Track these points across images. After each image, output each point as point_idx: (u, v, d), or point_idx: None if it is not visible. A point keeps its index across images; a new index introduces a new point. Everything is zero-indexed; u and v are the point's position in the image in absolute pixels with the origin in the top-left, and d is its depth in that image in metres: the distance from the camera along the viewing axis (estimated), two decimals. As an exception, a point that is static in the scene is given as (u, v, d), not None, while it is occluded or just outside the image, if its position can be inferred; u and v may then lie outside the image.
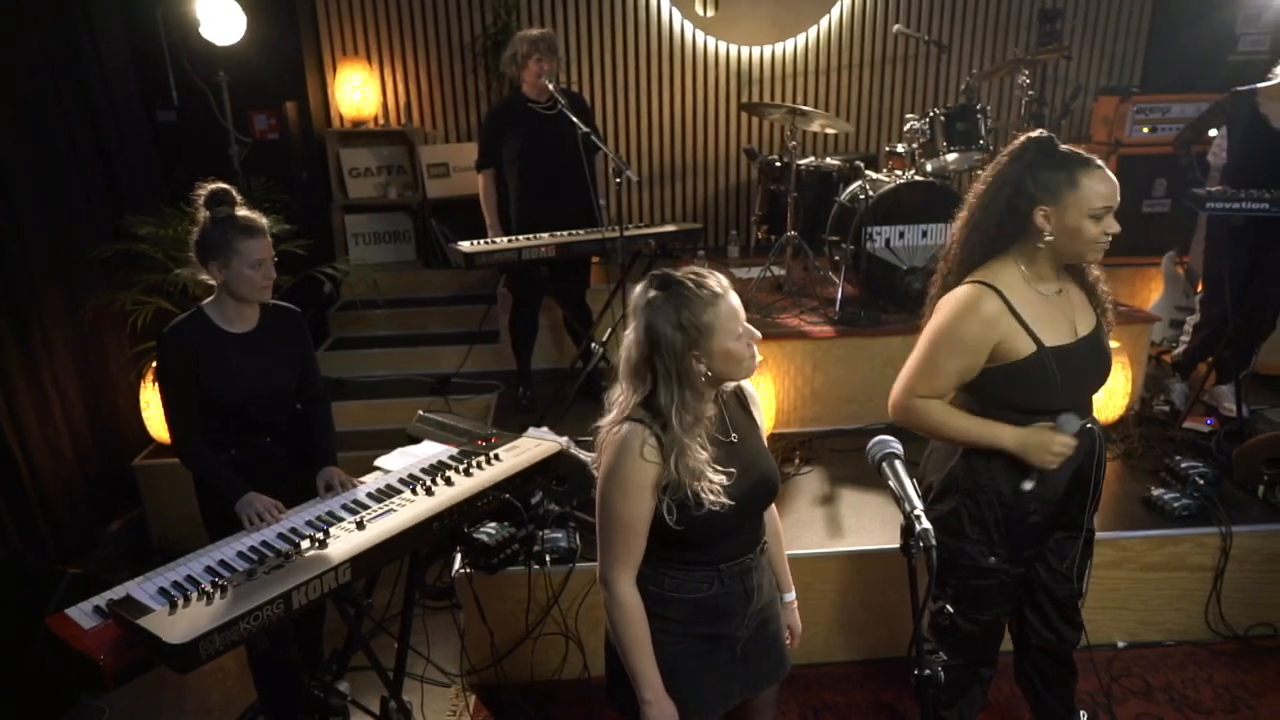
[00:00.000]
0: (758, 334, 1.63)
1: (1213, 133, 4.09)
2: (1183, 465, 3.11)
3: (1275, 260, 3.61)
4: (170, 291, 3.54)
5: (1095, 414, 2.08)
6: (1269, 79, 3.54)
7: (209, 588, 1.76)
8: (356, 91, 5.37)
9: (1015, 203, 1.90)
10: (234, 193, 2.27)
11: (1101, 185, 1.85)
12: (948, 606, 2.16)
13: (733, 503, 1.60)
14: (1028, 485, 1.96)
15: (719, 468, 1.60)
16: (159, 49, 4.43)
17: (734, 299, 1.61)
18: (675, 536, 1.62)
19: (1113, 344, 2.12)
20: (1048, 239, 1.89)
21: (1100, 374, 2.03)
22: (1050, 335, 1.92)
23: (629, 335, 1.62)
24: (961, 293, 1.95)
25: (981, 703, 2.37)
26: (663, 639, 1.68)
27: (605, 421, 1.65)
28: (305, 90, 5.16)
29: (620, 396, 1.64)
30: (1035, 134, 1.94)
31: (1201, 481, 3.01)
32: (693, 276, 1.59)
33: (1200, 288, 4.23)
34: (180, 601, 1.72)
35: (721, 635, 1.72)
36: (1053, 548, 2.15)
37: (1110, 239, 1.89)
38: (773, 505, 1.85)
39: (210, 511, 2.33)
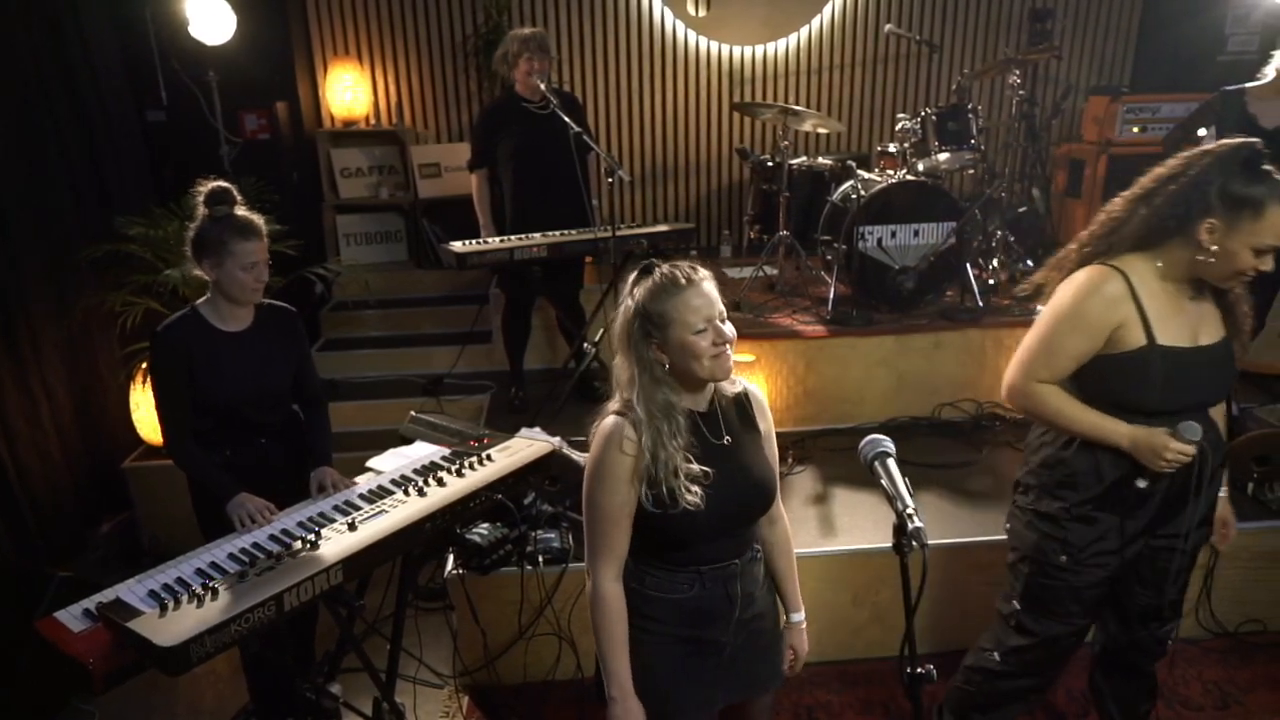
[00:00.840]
0: (727, 333, 1.60)
1: (1201, 132, 4.11)
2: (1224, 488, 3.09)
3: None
4: (160, 292, 3.52)
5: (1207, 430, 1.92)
6: (1258, 78, 3.55)
7: (200, 590, 1.75)
8: (348, 91, 5.36)
9: (1191, 203, 1.79)
10: (234, 192, 2.26)
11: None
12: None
13: (714, 505, 1.59)
14: (1141, 484, 1.91)
15: (697, 467, 1.59)
16: (148, 48, 4.41)
17: (704, 292, 1.59)
18: (656, 533, 1.63)
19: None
20: (1200, 254, 1.79)
21: (1215, 389, 1.94)
22: (1166, 334, 1.85)
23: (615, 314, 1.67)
24: (1085, 273, 1.90)
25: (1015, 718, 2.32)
26: (643, 638, 1.68)
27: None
28: (296, 90, 5.14)
29: (616, 379, 1.67)
30: (1246, 142, 1.80)
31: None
32: (670, 266, 1.61)
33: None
34: (170, 604, 1.71)
35: (704, 640, 1.70)
36: (1146, 555, 2.05)
37: (1256, 272, 1.80)
38: (785, 521, 1.85)
39: (205, 512, 2.31)
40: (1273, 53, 3.51)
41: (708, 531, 1.64)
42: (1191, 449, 1.82)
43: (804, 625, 1.91)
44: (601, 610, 1.65)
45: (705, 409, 1.68)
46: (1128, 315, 1.85)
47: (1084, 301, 1.87)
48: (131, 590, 1.79)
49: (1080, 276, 1.91)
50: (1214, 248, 1.78)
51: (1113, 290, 1.85)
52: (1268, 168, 1.76)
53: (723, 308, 1.62)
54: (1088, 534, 1.99)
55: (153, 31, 4.38)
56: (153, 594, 1.77)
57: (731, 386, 1.74)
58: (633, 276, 1.64)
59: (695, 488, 1.58)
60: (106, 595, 1.79)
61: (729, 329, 1.61)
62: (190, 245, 2.25)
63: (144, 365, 3.65)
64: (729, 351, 1.61)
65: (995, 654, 2.20)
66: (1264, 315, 3.93)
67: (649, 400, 1.59)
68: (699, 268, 1.62)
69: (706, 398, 1.69)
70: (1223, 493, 2.10)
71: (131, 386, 3.78)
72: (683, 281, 1.58)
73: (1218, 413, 2.02)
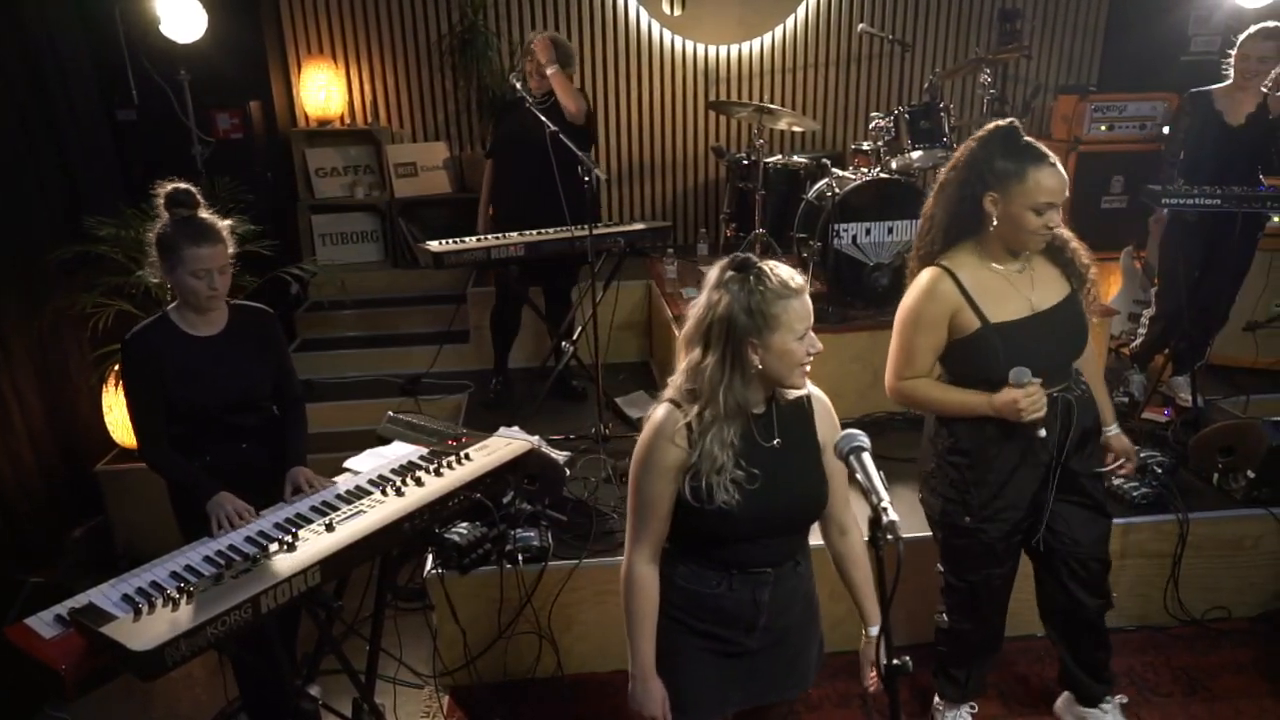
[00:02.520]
0: (819, 345, 1.60)
1: (1165, 129, 4.19)
2: (1141, 455, 3.19)
3: (1227, 254, 3.70)
4: (132, 294, 3.48)
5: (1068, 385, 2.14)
6: (1225, 78, 3.63)
7: (174, 593, 1.73)
8: (322, 90, 5.32)
9: (972, 187, 2.04)
10: (196, 195, 2.22)
11: (1048, 180, 1.97)
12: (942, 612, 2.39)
13: (751, 508, 1.58)
14: (1040, 433, 2.06)
15: (742, 470, 1.58)
16: (118, 47, 4.35)
17: (807, 301, 1.59)
18: (693, 527, 1.63)
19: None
20: (993, 225, 2.03)
21: (1065, 344, 2.12)
22: (998, 312, 2.05)
23: (695, 303, 1.62)
24: (920, 278, 2.13)
25: (989, 667, 2.53)
26: (667, 624, 1.70)
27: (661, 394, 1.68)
28: (269, 89, 5.10)
29: (679, 367, 1.65)
30: (1003, 122, 2.06)
31: (1159, 470, 3.08)
32: (772, 266, 1.58)
33: (1156, 282, 4.34)
34: (145, 608, 1.69)
35: (724, 638, 1.71)
36: (1060, 513, 2.23)
37: (1051, 231, 2.01)
38: (857, 531, 1.78)
39: (185, 514, 2.28)
40: (1229, 52, 3.60)
41: (743, 533, 1.63)
42: (1033, 386, 1.99)
43: (876, 639, 1.81)
44: (633, 591, 1.67)
45: (762, 410, 1.66)
46: (959, 304, 2.06)
47: (921, 304, 2.11)
48: (105, 595, 1.77)
49: (918, 281, 2.12)
50: (998, 218, 2.01)
51: (942, 287, 2.07)
52: (1025, 140, 2.01)
53: None
54: (982, 494, 2.18)
55: (122, 30, 4.32)
56: (126, 598, 1.75)
57: (795, 390, 1.69)
58: (727, 270, 1.59)
59: (732, 488, 1.57)
60: (79, 600, 1.77)
61: (817, 340, 1.60)
62: (153, 246, 2.22)
63: (115, 368, 3.60)
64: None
65: (943, 614, 2.43)
66: (1228, 309, 4.02)
67: (729, 398, 1.57)
68: (796, 273, 1.60)
69: (765, 399, 1.66)
70: (1114, 430, 2.31)
71: (104, 389, 3.73)
72: (794, 286, 1.57)
73: (1092, 373, 2.24)
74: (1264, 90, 3.54)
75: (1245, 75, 3.53)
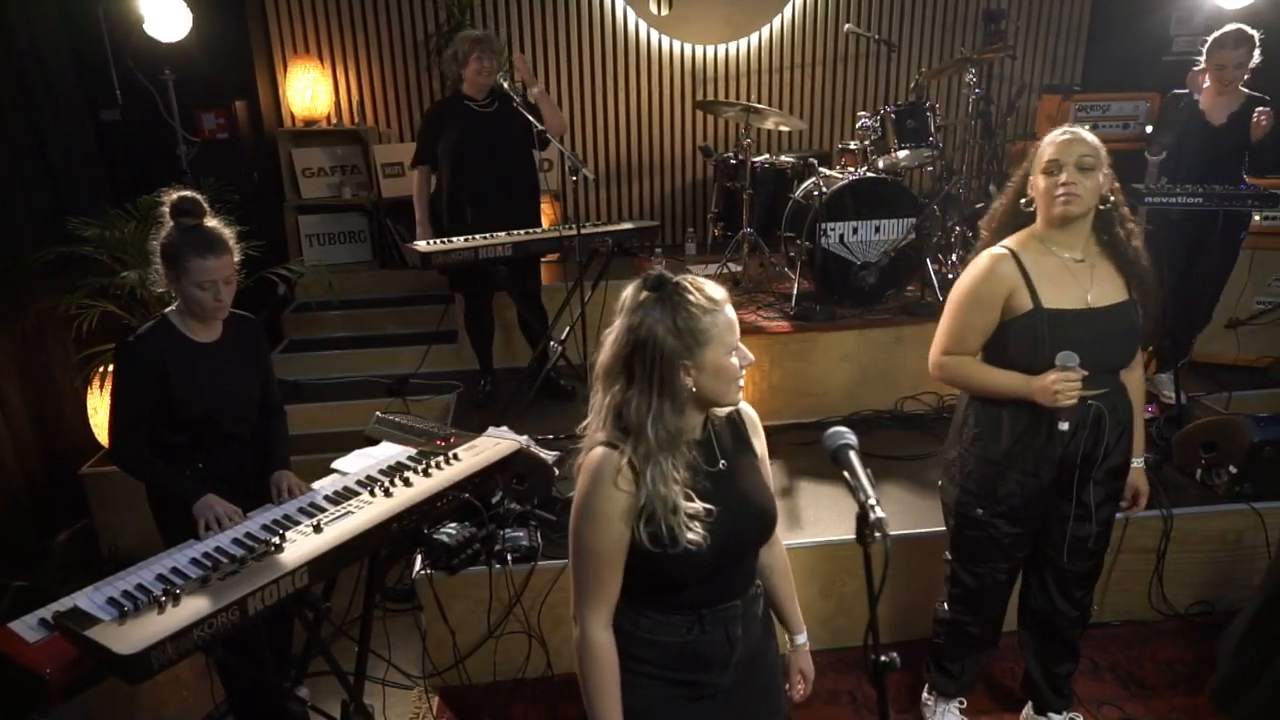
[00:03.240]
0: (750, 356, 1.51)
1: (1148, 129, 4.23)
2: (1139, 457, 3.20)
3: (1210, 253, 3.74)
4: (117, 295, 3.46)
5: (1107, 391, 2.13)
6: (1203, 80, 3.67)
7: (161, 596, 1.72)
8: (308, 90, 5.29)
9: (1022, 181, 2.16)
10: (203, 203, 2.18)
11: (1052, 141, 2.05)
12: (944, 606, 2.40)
13: (715, 540, 1.48)
14: (1063, 426, 2.06)
15: (698, 502, 1.48)
16: (101, 47, 4.31)
17: (731, 311, 1.49)
18: (652, 574, 1.50)
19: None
20: (1031, 205, 2.11)
21: (1110, 348, 2.09)
22: (1053, 298, 2.05)
23: (610, 334, 1.50)
24: (980, 258, 2.15)
25: (983, 664, 2.55)
26: (634, 680, 1.56)
27: (582, 441, 1.55)
28: (255, 89, 5.07)
29: (595, 406, 1.52)
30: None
31: (1143, 467, 3.11)
32: (690, 280, 1.48)
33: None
34: (130, 611, 1.68)
35: (699, 683, 1.60)
36: (1058, 520, 2.24)
37: (1069, 192, 2.01)
38: (781, 542, 1.74)
39: (165, 518, 2.27)
40: (1199, 59, 3.64)
41: (709, 569, 1.51)
42: (1074, 373, 1.99)
43: (808, 647, 1.80)
44: (591, 661, 1.52)
45: (700, 434, 1.56)
46: (1016, 285, 2.08)
47: (979, 284, 2.13)
48: (90, 598, 1.76)
49: (978, 260, 2.15)
50: (1035, 193, 2.09)
51: (1003, 268, 2.09)
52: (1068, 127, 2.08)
53: None
54: (998, 488, 2.19)
55: (105, 29, 4.29)
56: (112, 601, 1.74)
57: (729, 407, 1.60)
58: (642, 291, 1.48)
59: (696, 525, 1.46)
60: (64, 604, 1.75)
61: (747, 350, 1.52)
62: (157, 254, 2.19)
63: (101, 369, 3.58)
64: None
65: (945, 604, 2.44)
66: (1211, 308, 4.06)
67: (661, 429, 1.45)
68: (714, 281, 1.51)
69: (701, 422, 1.56)
70: (1138, 463, 2.30)
71: (89, 391, 3.70)
72: (718, 298, 1.47)
73: (1135, 386, 2.23)
74: (1243, 90, 3.58)
75: (1223, 82, 3.58)
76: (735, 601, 1.60)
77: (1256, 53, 3.52)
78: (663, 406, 1.46)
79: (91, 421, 3.74)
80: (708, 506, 1.49)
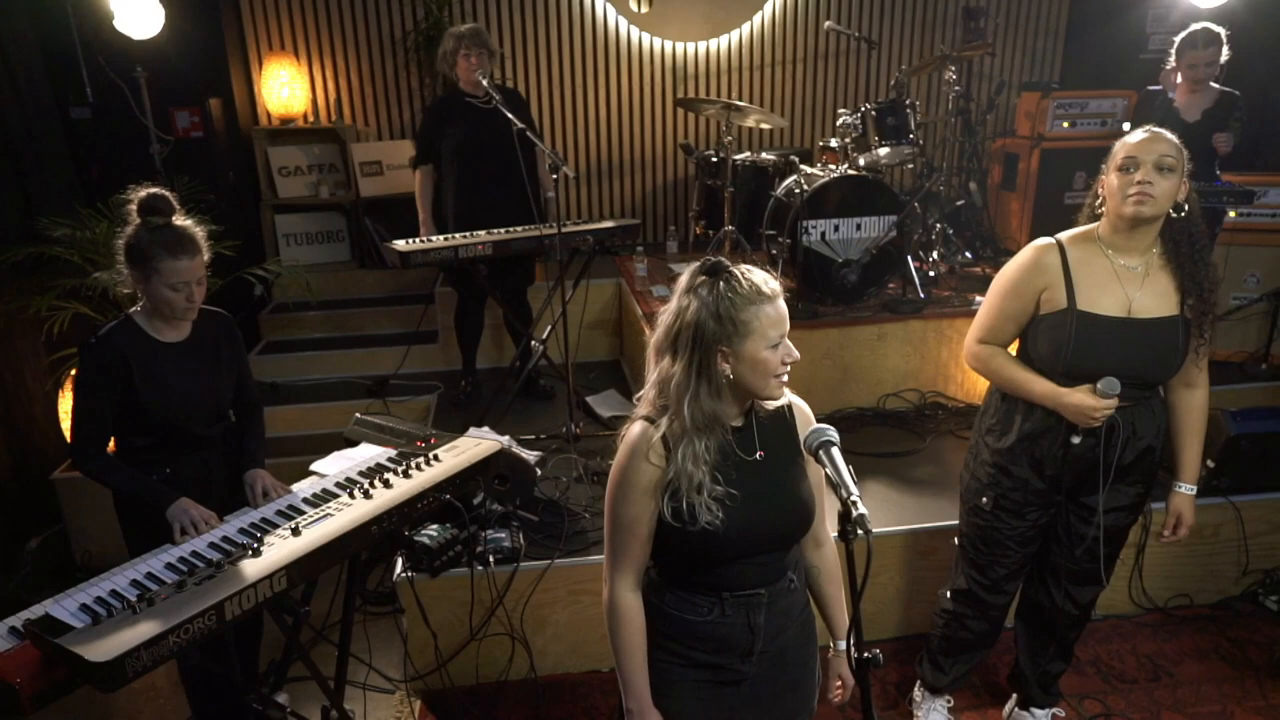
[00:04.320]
0: (795, 353, 1.52)
1: (1125, 125, 4.27)
2: (1185, 484, 3.20)
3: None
4: (89, 296, 3.40)
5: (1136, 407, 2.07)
6: (1176, 78, 3.71)
7: (135, 601, 1.69)
8: (284, 88, 5.23)
9: (1095, 180, 2.07)
10: (172, 200, 2.12)
11: (1130, 140, 1.96)
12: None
13: (733, 526, 1.51)
14: (1075, 439, 2.05)
15: (722, 486, 1.51)
16: (70, 43, 4.24)
17: (781, 307, 1.51)
18: (678, 550, 1.55)
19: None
20: (1100, 206, 2.02)
21: (1144, 363, 2.01)
22: (1089, 300, 1.98)
23: (663, 312, 1.55)
24: (1027, 247, 2.10)
25: (976, 662, 2.53)
26: (657, 655, 1.62)
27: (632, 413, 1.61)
28: (230, 87, 5.00)
29: (647, 380, 1.59)
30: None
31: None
32: (745, 270, 1.51)
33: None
34: (104, 618, 1.65)
35: (721, 666, 1.63)
36: (1064, 522, 2.24)
37: (1143, 191, 1.90)
38: (829, 542, 1.75)
39: (134, 530, 2.21)
40: (1169, 57, 3.68)
41: (730, 552, 1.55)
42: (1107, 404, 1.96)
43: (846, 654, 1.77)
44: (618, 620, 1.59)
45: (740, 422, 1.58)
46: (1054, 280, 2.02)
47: (1019, 272, 2.08)
48: (61, 605, 1.72)
49: (1025, 249, 2.10)
50: (1105, 191, 2.00)
51: (1046, 259, 2.03)
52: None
53: None
54: (1005, 483, 2.18)
55: (75, 25, 4.21)
56: (84, 608, 1.70)
57: (772, 401, 1.60)
58: (697, 275, 1.51)
59: (715, 506, 1.50)
60: (35, 611, 1.71)
61: (794, 348, 1.53)
62: (122, 253, 2.12)
63: (73, 372, 3.51)
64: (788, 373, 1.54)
65: (947, 592, 2.43)
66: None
67: (697, 410, 1.49)
68: (771, 277, 1.53)
69: (743, 411, 1.59)
70: (1186, 489, 2.22)
71: (60, 394, 3.63)
72: (767, 292, 1.49)
73: (1189, 425, 2.16)
74: (1215, 85, 3.63)
75: (1195, 80, 3.62)
76: (759, 590, 1.60)
77: (1225, 50, 3.56)
78: (699, 388, 1.49)
79: (63, 425, 3.67)
80: (731, 491, 1.52)
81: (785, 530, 1.61)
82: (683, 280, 1.54)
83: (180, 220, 2.13)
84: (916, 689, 2.61)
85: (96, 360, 2.12)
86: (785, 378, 1.54)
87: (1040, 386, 2.05)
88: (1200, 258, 1.99)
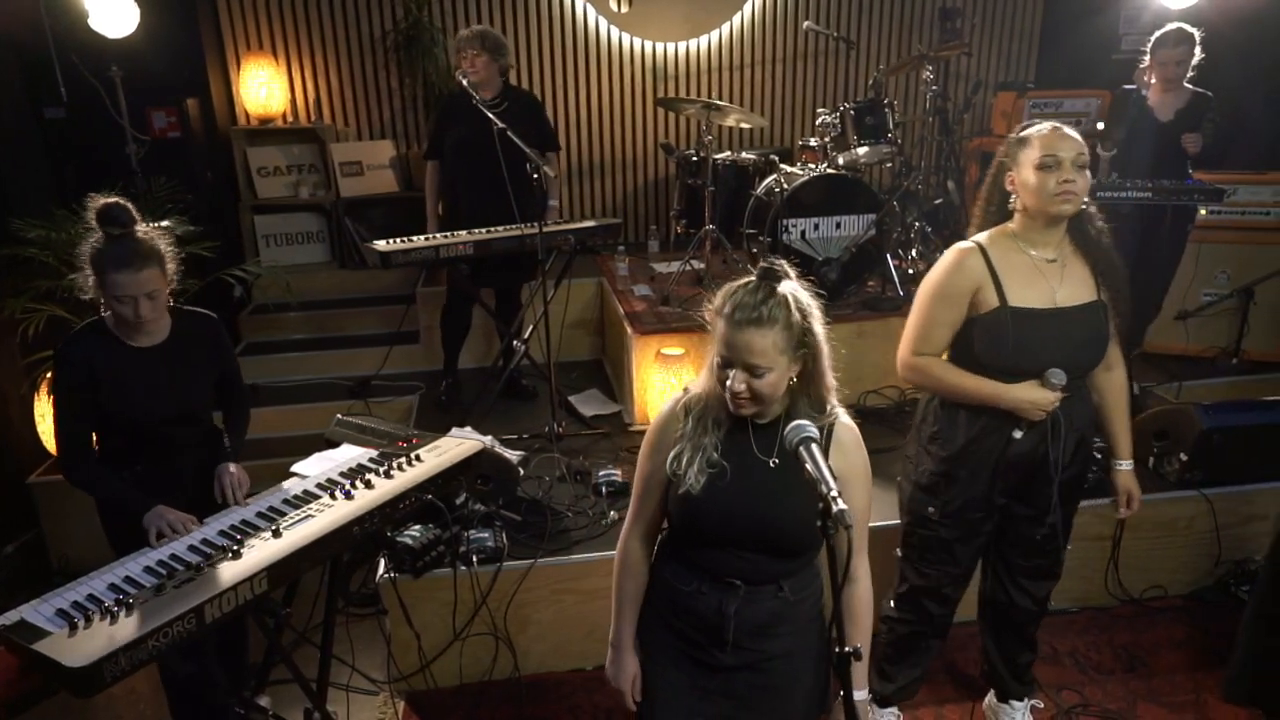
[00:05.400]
0: (737, 387, 1.53)
1: (1099, 125, 4.32)
2: (1126, 461, 3.25)
3: (1158, 246, 3.84)
4: (64, 298, 3.36)
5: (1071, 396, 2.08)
6: (1149, 77, 3.76)
7: (113, 606, 1.68)
8: (263, 88, 5.19)
9: (999, 176, 2.10)
10: (131, 211, 2.07)
11: (1049, 137, 1.99)
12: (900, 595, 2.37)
13: (711, 502, 1.58)
14: (1017, 434, 2.08)
15: (716, 455, 1.59)
16: (44, 42, 4.18)
17: (736, 331, 1.51)
18: (674, 516, 1.67)
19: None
20: (1014, 203, 2.06)
21: (1077, 349, 2.07)
22: (1020, 296, 2.03)
23: None
24: (947, 253, 2.13)
25: (923, 669, 2.51)
26: (649, 613, 1.75)
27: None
28: (208, 86, 4.96)
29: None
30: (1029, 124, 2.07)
31: (1099, 456, 3.17)
32: (746, 285, 1.55)
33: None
34: (81, 622, 1.64)
35: (698, 644, 1.69)
36: (1011, 522, 2.24)
37: (1070, 190, 1.96)
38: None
39: (117, 531, 2.19)
40: (1143, 56, 3.74)
41: (705, 524, 1.61)
42: (1053, 396, 2.00)
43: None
44: (622, 567, 1.75)
45: (765, 423, 1.62)
46: (983, 281, 2.05)
47: (945, 278, 2.10)
48: (37, 610, 1.71)
49: (945, 255, 2.12)
50: (1017, 191, 2.04)
51: (969, 262, 2.07)
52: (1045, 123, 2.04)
53: None
54: (952, 490, 2.18)
55: (48, 24, 4.15)
56: (61, 613, 1.69)
57: (821, 416, 1.61)
58: (806, 290, 1.60)
59: (696, 473, 1.58)
60: (9, 617, 1.69)
61: (745, 380, 1.53)
62: (85, 261, 2.08)
63: (48, 375, 3.47)
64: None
65: (891, 601, 2.43)
66: (1161, 300, 4.17)
67: (703, 404, 1.63)
68: (769, 301, 1.54)
69: (774, 414, 1.62)
70: (1126, 465, 2.30)
71: (35, 398, 3.59)
72: (726, 308, 1.55)
73: (1114, 404, 2.22)
74: (1188, 85, 3.68)
75: (1167, 79, 3.67)
76: (738, 581, 1.64)
77: (1198, 50, 3.62)
78: (711, 381, 1.60)
79: (39, 428, 3.63)
80: (723, 464, 1.59)
81: (761, 533, 1.61)
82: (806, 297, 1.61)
83: (142, 230, 2.09)
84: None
85: (64, 365, 2.11)
86: (739, 399, 1.55)
87: (989, 387, 2.07)
88: (1106, 243, 2.09)
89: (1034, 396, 2.02)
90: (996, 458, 2.13)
